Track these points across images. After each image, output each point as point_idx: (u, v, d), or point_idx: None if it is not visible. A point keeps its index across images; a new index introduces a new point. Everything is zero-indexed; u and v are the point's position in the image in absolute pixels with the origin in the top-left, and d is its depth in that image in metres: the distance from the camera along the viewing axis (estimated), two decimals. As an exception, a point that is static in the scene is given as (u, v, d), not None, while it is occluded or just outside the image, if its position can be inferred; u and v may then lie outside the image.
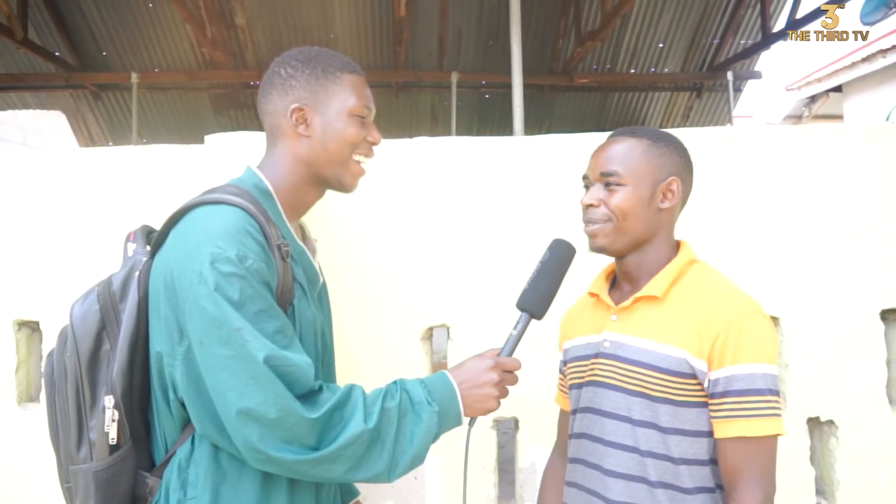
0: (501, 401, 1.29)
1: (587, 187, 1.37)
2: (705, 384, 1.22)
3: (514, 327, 1.32)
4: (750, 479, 1.18)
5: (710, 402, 1.22)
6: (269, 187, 1.30)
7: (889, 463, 1.90)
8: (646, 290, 1.31)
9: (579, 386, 1.40)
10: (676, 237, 1.41)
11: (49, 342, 2.04)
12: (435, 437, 1.21)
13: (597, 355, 1.35)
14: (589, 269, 1.91)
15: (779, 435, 1.20)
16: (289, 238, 1.28)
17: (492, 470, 1.97)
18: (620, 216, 1.29)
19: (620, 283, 1.41)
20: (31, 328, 2.11)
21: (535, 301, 1.32)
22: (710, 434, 1.24)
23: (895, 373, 1.97)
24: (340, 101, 1.31)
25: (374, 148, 1.37)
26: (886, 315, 1.95)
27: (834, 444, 1.91)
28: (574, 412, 1.41)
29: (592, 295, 1.46)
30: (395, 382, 1.23)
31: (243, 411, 1.07)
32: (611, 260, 1.43)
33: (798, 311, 1.93)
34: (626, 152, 1.31)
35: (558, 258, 1.35)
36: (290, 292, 1.23)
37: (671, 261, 1.33)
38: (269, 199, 1.29)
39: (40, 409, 2.05)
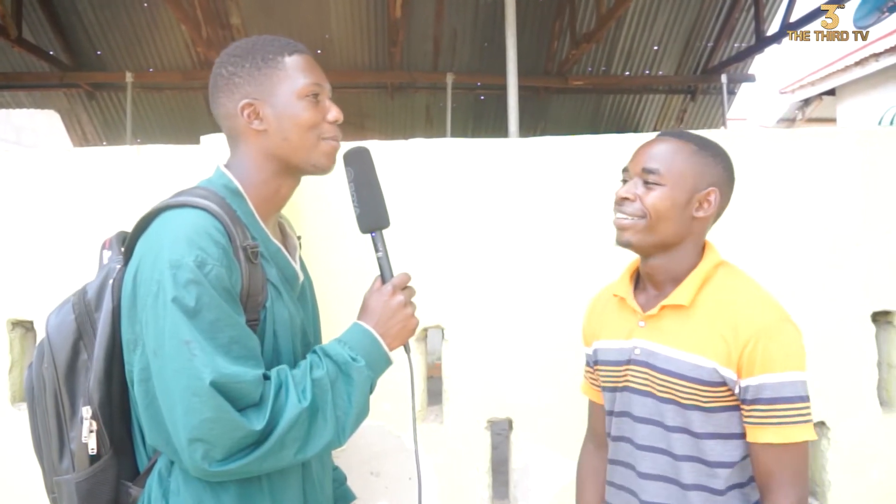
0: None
1: (625, 181, 1.36)
2: (736, 390, 1.24)
3: (377, 251, 1.29)
4: (783, 482, 1.20)
5: (742, 406, 1.24)
6: (238, 186, 1.25)
7: (879, 464, 1.91)
8: (672, 299, 1.31)
9: (614, 390, 1.42)
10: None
11: (43, 342, 2.03)
12: (371, 388, 1.21)
13: (629, 362, 1.37)
14: (566, 268, 1.92)
15: (809, 440, 1.21)
16: (261, 238, 1.24)
17: (486, 471, 1.98)
18: (654, 215, 1.29)
19: (645, 284, 1.41)
20: (24, 328, 2.11)
21: (375, 215, 1.29)
22: (742, 436, 1.26)
23: (886, 375, 1.98)
24: (288, 86, 1.24)
25: (338, 126, 1.31)
26: (877, 317, 1.96)
27: (825, 445, 1.92)
28: (611, 414, 1.43)
29: (618, 298, 1.45)
30: (313, 351, 1.21)
31: (188, 429, 1.04)
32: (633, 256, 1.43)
33: (791, 314, 1.93)
34: (671, 153, 1.31)
35: (363, 166, 1.30)
36: (261, 294, 1.20)
37: (697, 265, 1.33)
38: (239, 198, 1.24)
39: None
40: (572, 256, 1.98)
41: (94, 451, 1.17)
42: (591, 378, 1.57)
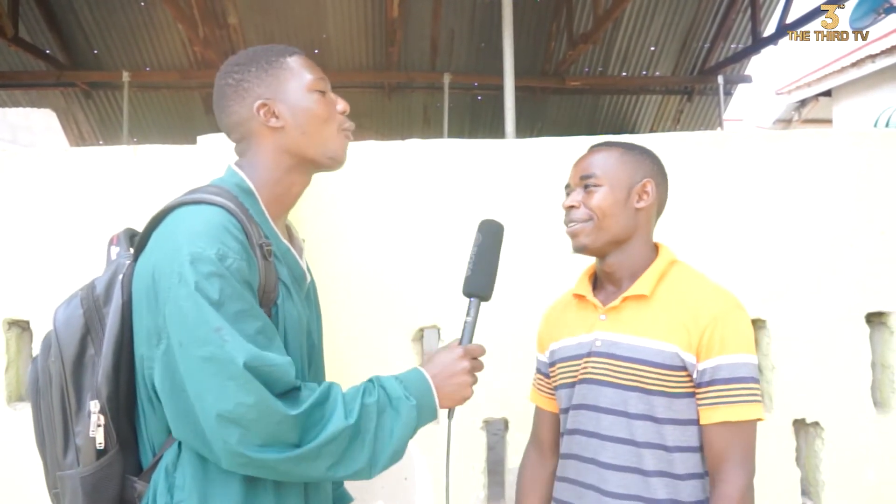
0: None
1: (568, 194, 1.47)
2: (694, 375, 1.31)
3: (468, 314, 1.34)
4: (733, 462, 1.27)
5: (697, 391, 1.31)
6: (250, 186, 1.28)
7: (874, 464, 1.92)
8: (634, 290, 1.39)
9: (571, 385, 1.44)
10: (664, 241, 1.49)
11: (39, 342, 2.03)
12: (413, 432, 1.22)
13: (589, 354, 1.41)
14: (563, 269, 1.93)
15: (758, 420, 1.30)
16: (272, 237, 1.27)
17: (481, 471, 1.98)
18: (600, 214, 1.39)
19: (604, 283, 1.48)
20: (21, 327, 2.11)
21: (481, 284, 1.35)
22: (698, 422, 1.33)
23: (880, 376, 1.99)
24: (296, 83, 1.30)
25: (346, 116, 1.36)
26: (872, 318, 1.97)
27: (819, 445, 1.93)
28: (566, 410, 1.46)
29: (577, 296, 1.52)
30: (370, 380, 1.23)
31: (223, 414, 1.05)
32: (590, 261, 1.51)
33: (785, 314, 1.95)
34: (604, 158, 1.43)
35: (491, 238, 1.37)
36: (273, 292, 1.22)
37: (653, 262, 1.42)
38: (251, 197, 1.27)
39: (30, 409, 2.04)
40: (569, 257, 1.98)
41: (102, 446, 1.17)
42: (540, 384, 1.61)
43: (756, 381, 1.30)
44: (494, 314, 1.98)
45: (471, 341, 1.32)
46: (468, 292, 1.35)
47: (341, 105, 1.35)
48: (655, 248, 1.47)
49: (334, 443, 1.11)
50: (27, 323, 2.07)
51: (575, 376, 1.43)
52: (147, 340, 1.15)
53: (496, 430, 2.06)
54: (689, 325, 1.31)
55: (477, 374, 1.32)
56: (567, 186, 1.49)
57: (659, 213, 1.48)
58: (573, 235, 1.43)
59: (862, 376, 1.93)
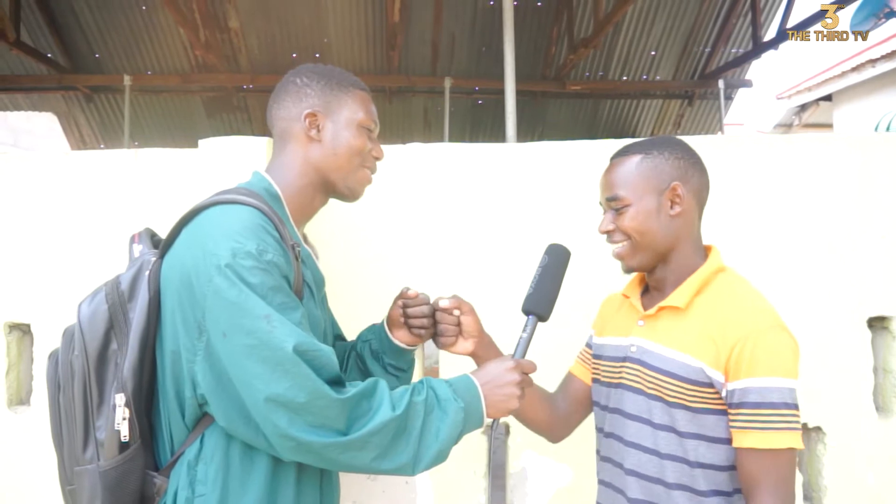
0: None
1: (604, 213, 1.42)
2: (723, 393, 1.24)
3: (524, 330, 1.38)
4: (765, 489, 1.19)
5: (729, 411, 1.24)
6: (278, 191, 1.33)
7: (875, 469, 1.91)
8: (669, 301, 1.34)
9: (608, 385, 1.44)
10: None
11: (40, 345, 2.03)
12: (459, 436, 1.23)
13: (625, 359, 1.40)
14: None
15: (794, 449, 1.20)
16: (298, 241, 1.31)
17: (483, 475, 1.98)
18: (636, 235, 1.34)
19: (650, 289, 1.45)
20: (22, 331, 2.11)
21: (540, 304, 1.39)
22: (729, 441, 1.25)
23: (882, 380, 1.99)
24: (351, 112, 1.38)
25: (377, 163, 1.44)
26: (873, 323, 1.97)
27: (821, 450, 1.92)
28: (605, 409, 1.46)
29: (625, 296, 1.50)
30: (421, 381, 1.25)
31: (271, 398, 1.08)
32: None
33: (786, 318, 1.94)
34: (623, 173, 1.36)
35: (556, 262, 1.41)
36: (300, 292, 1.26)
37: (697, 269, 1.35)
38: (278, 202, 1.32)
39: (31, 413, 2.04)
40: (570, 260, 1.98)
41: (126, 438, 1.19)
42: (584, 358, 1.61)
43: (793, 407, 1.19)
44: (493, 316, 1.98)
45: (524, 356, 1.35)
46: (527, 310, 1.39)
47: (377, 150, 1.43)
48: (705, 252, 1.40)
49: (380, 434, 1.13)
50: (28, 326, 2.07)
51: (612, 378, 1.43)
52: (186, 334, 1.16)
53: (497, 435, 2.06)
54: (718, 341, 1.24)
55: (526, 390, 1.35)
56: (600, 204, 1.44)
57: (701, 207, 1.39)
58: (619, 259, 1.39)
59: (864, 381, 1.93)
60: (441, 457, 1.20)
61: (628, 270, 1.41)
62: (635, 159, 1.35)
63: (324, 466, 1.18)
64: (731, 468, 1.26)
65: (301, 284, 1.26)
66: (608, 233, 1.38)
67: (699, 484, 1.26)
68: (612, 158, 1.41)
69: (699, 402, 1.26)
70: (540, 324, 1.40)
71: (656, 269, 1.39)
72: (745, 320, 1.24)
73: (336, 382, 1.15)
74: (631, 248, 1.35)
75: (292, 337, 1.10)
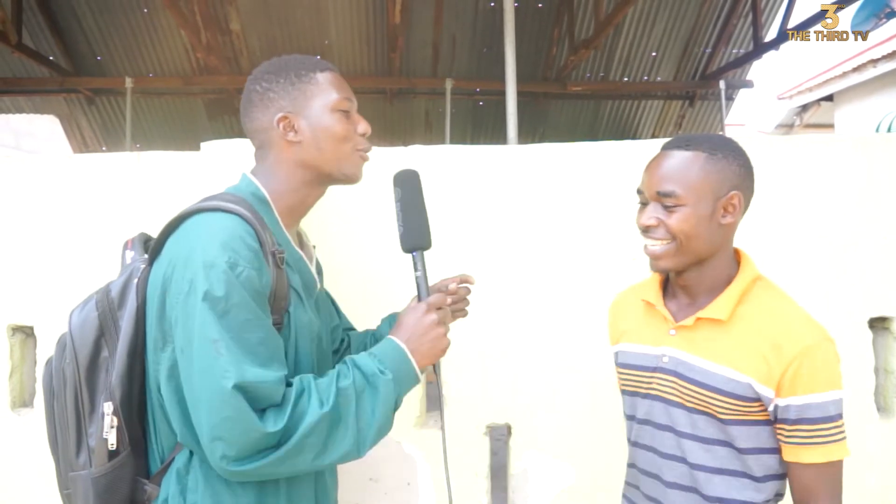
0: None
1: (643, 203, 1.32)
2: (770, 407, 1.22)
3: (416, 270, 1.34)
4: (822, 499, 1.20)
5: (779, 425, 1.22)
6: (265, 194, 1.31)
7: (876, 470, 1.91)
8: (709, 312, 1.27)
9: (635, 395, 1.40)
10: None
11: (43, 347, 2.04)
12: (396, 404, 1.23)
13: (655, 369, 1.34)
14: (564, 274, 1.92)
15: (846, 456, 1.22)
16: (285, 245, 1.29)
17: (485, 476, 1.98)
18: (683, 237, 1.24)
19: (676, 292, 1.37)
20: (25, 333, 2.12)
21: (417, 236, 1.35)
22: (776, 451, 1.25)
23: (883, 381, 1.99)
24: (321, 100, 1.32)
25: (367, 138, 1.38)
26: (874, 323, 1.97)
27: (823, 450, 1.92)
28: (632, 419, 1.42)
29: (646, 302, 1.41)
30: (344, 361, 1.23)
31: (210, 428, 1.07)
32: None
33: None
34: (683, 169, 1.24)
35: (411, 189, 1.37)
36: (285, 299, 1.24)
37: (734, 278, 1.30)
38: (266, 206, 1.30)
39: (34, 415, 2.05)
40: (570, 262, 1.98)
41: (114, 447, 1.19)
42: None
43: (842, 416, 1.20)
44: (495, 317, 1.99)
45: (427, 294, 1.34)
46: (408, 248, 1.35)
47: (362, 127, 1.36)
48: (736, 259, 1.34)
49: (314, 434, 1.12)
50: (31, 329, 2.07)
51: (641, 388, 1.38)
52: (153, 344, 1.17)
53: (499, 436, 2.06)
54: (770, 357, 1.20)
55: (448, 323, 1.35)
56: (639, 192, 1.32)
57: (741, 217, 1.31)
58: (654, 258, 1.29)
59: (865, 382, 1.93)
60: (383, 431, 1.20)
61: (661, 271, 1.31)
62: (700, 157, 1.24)
63: (271, 478, 1.18)
64: (784, 476, 1.27)
65: (286, 290, 1.24)
66: (650, 227, 1.27)
67: (758, 493, 1.26)
68: (670, 147, 1.28)
69: (752, 416, 1.23)
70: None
71: (687, 273, 1.31)
72: (800, 336, 1.20)
73: (272, 407, 1.12)
74: (674, 249, 1.25)
75: (234, 369, 1.07)
